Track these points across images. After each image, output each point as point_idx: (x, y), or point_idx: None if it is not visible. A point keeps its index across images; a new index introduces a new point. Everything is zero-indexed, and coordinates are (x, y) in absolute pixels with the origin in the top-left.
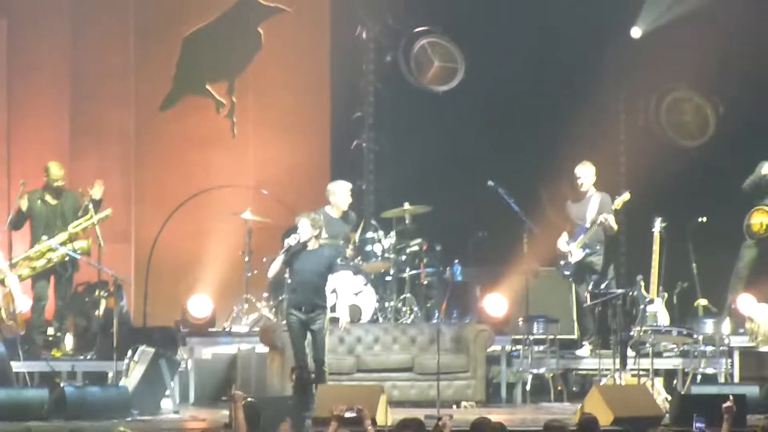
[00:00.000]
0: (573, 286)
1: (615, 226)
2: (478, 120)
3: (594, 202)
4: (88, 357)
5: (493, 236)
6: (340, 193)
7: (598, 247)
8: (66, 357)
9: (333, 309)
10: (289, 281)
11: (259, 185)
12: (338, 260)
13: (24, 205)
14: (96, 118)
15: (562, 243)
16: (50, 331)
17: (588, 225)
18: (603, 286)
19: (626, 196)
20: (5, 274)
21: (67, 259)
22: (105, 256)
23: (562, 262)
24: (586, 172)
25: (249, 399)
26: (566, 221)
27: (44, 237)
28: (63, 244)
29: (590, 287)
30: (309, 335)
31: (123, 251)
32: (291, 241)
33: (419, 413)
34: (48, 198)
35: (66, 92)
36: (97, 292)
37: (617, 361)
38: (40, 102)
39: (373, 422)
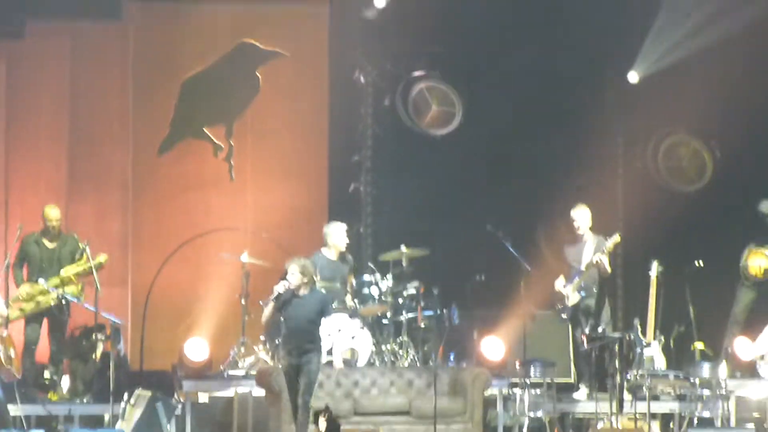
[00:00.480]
0: (570, 329)
1: (609, 268)
2: (475, 163)
3: (589, 245)
4: (85, 401)
5: (491, 279)
6: (336, 234)
7: (594, 290)
8: (62, 400)
9: (329, 353)
10: (282, 328)
11: (257, 228)
12: (331, 304)
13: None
14: (94, 162)
15: (559, 285)
16: (46, 374)
17: (583, 268)
18: (600, 329)
19: (616, 237)
20: (3, 318)
21: (63, 302)
22: (102, 300)
23: (559, 306)
24: (581, 215)
25: None
26: (564, 264)
27: (40, 280)
28: (55, 287)
29: (587, 330)
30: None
31: (120, 295)
32: (280, 288)
33: None
34: (45, 241)
35: (64, 136)
36: (94, 336)
37: (614, 404)
38: (38, 145)
39: None
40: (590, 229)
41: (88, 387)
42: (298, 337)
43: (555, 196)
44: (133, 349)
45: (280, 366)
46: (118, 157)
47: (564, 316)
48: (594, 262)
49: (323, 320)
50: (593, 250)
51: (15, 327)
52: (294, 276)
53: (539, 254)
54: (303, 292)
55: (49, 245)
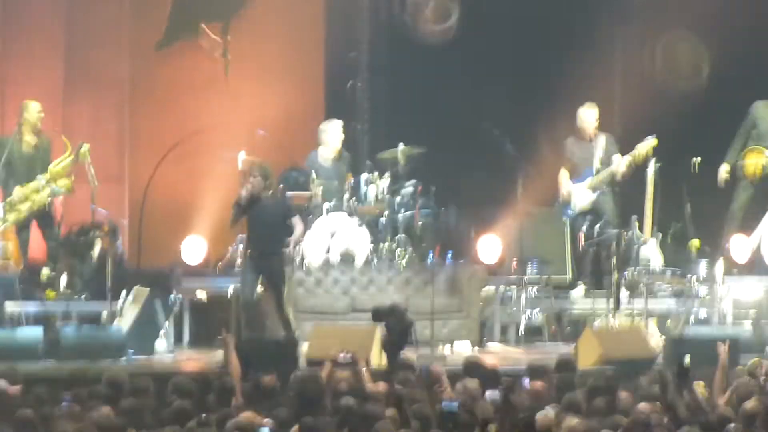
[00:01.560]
0: (568, 227)
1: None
2: (474, 61)
3: (600, 143)
4: (83, 298)
5: (489, 178)
6: (332, 132)
7: (605, 188)
8: (60, 298)
9: (328, 251)
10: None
11: (254, 127)
12: (292, 208)
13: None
14: (90, 62)
15: (566, 183)
16: (44, 272)
17: (597, 167)
18: (597, 227)
19: (652, 141)
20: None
21: (49, 200)
22: (99, 197)
23: (560, 201)
24: (590, 114)
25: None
26: (567, 161)
27: (39, 177)
28: (46, 183)
29: (584, 229)
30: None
31: (117, 192)
32: (242, 193)
33: (412, 353)
34: (27, 138)
35: (60, 36)
36: (91, 234)
37: (611, 302)
38: (33, 47)
39: (367, 363)
40: (597, 128)
41: (85, 284)
42: (259, 240)
43: (553, 95)
44: (131, 246)
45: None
46: (115, 58)
47: (570, 212)
48: (623, 168)
49: (287, 223)
50: (604, 149)
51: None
52: (256, 179)
53: (538, 152)
54: (264, 195)
55: (31, 142)
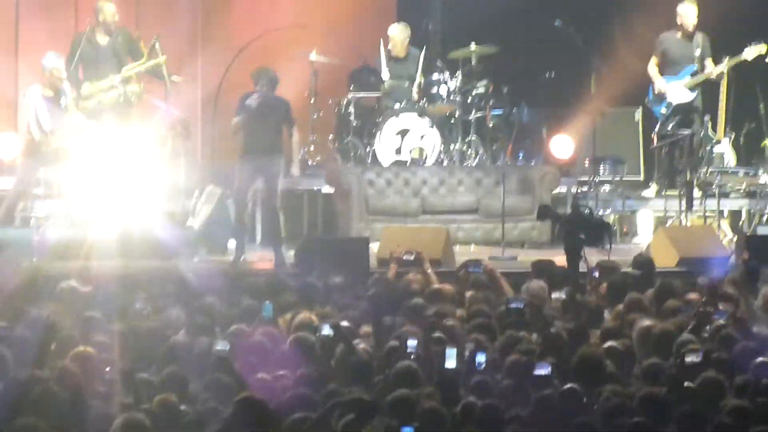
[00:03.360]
0: (640, 126)
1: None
2: None
3: (697, 42)
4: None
5: (561, 77)
6: (395, 37)
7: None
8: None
9: (398, 151)
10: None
11: (325, 25)
12: (291, 110)
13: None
14: None
15: (659, 78)
16: None
17: (696, 67)
18: (670, 127)
19: (761, 46)
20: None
21: (122, 100)
22: (171, 96)
23: (651, 98)
24: (691, 10)
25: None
26: (660, 56)
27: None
28: (117, 84)
29: (657, 128)
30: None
31: (190, 91)
32: (252, 102)
33: (484, 254)
34: (98, 38)
35: None
36: (164, 132)
37: (684, 202)
38: None
39: (434, 263)
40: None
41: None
42: (260, 142)
43: None
44: (204, 146)
45: (349, 164)
46: None
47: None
48: (724, 69)
49: (286, 128)
50: (701, 49)
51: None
52: (264, 88)
53: (612, 50)
54: (268, 98)
55: (102, 41)
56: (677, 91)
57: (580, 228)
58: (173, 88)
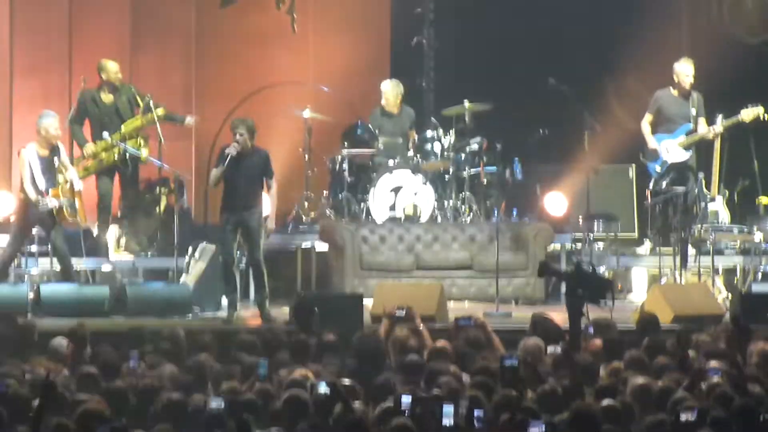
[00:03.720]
0: (634, 183)
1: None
2: (539, 15)
3: (693, 101)
4: (149, 254)
5: (554, 133)
6: (388, 93)
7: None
8: (126, 254)
9: (392, 208)
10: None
11: (319, 82)
12: (271, 163)
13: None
14: (157, 14)
15: (652, 137)
16: (113, 229)
17: (692, 126)
18: (664, 184)
19: (757, 109)
20: (66, 167)
21: (127, 157)
22: (166, 154)
23: (644, 156)
24: (687, 69)
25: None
26: (656, 114)
27: (104, 134)
28: (119, 141)
29: (651, 185)
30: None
31: (184, 148)
32: (232, 151)
33: (478, 310)
34: (102, 96)
35: None
36: (157, 190)
37: (678, 259)
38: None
39: (428, 319)
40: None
41: (151, 241)
42: (240, 194)
43: (620, 49)
44: (197, 202)
45: (343, 220)
46: (181, 9)
47: (657, 169)
48: (720, 130)
49: (265, 179)
50: (697, 109)
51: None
52: (243, 137)
53: (605, 107)
54: (247, 151)
55: (107, 99)
56: (672, 149)
57: (581, 285)
58: (166, 145)
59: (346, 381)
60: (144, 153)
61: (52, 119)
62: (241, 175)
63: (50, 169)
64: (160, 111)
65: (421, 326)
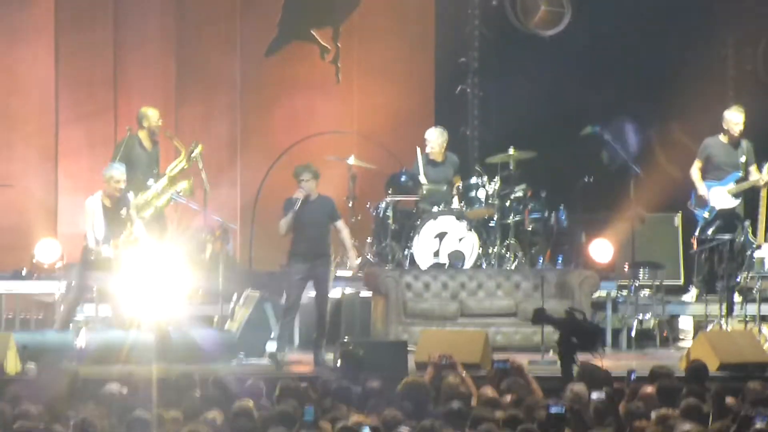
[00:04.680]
0: (680, 230)
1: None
2: (584, 64)
3: (743, 149)
4: (194, 301)
5: (599, 181)
6: (433, 141)
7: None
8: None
9: (436, 254)
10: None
11: (363, 131)
12: (337, 208)
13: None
14: (202, 64)
15: (702, 185)
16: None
17: (741, 173)
18: (710, 231)
19: None
20: (133, 221)
21: (171, 203)
22: (211, 201)
23: (694, 202)
24: (738, 117)
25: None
26: (706, 160)
27: (150, 181)
28: (165, 188)
29: (696, 233)
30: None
31: (229, 196)
32: (300, 195)
33: (523, 358)
34: (146, 144)
35: (172, 38)
36: (203, 237)
37: (724, 307)
38: (146, 48)
39: (472, 367)
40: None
41: (196, 288)
42: (310, 242)
43: (664, 98)
44: (242, 249)
45: (387, 267)
46: (226, 59)
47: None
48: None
49: (332, 225)
50: (746, 157)
51: None
52: (309, 183)
53: (650, 155)
54: (312, 197)
55: (149, 148)
56: (721, 196)
57: (573, 333)
58: (211, 193)
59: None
60: (188, 194)
61: (115, 171)
62: (309, 222)
63: (113, 220)
64: (197, 149)
65: (464, 373)
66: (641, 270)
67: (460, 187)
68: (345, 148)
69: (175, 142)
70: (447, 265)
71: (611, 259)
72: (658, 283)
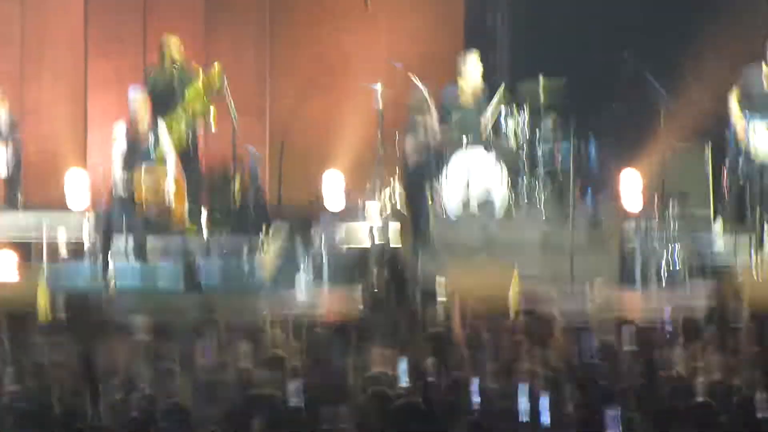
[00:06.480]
0: (710, 161)
1: None
2: None
3: None
4: (223, 233)
5: (630, 111)
6: (470, 64)
7: None
8: (200, 233)
9: (466, 185)
10: None
11: (392, 59)
12: None
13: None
14: None
15: (740, 115)
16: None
17: None
18: (741, 162)
19: None
20: (165, 150)
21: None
22: (240, 132)
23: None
24: None
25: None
26: (741, 91)
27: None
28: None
29: (727, 163)
30: None
31: (258, 126)
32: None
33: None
34: (167, 72)
35: None
36: (231, 168)
37: (754, 238)
38: None
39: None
40: None
41: (225, 220)
42: None
43: (702, 28)
44: (271, 181)
45: None
46: None
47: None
48: None
49: None
50: None
51: None
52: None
53: (682, 85)
54: None
55: (170, 76)
56: (760, 132)
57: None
58: (240, 122)
59: None
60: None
61: (133, 93)
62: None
63: (138, 148)
64: (216, 68)
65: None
66: (670, 200)
67: (489, 117)
68: (372, 77)
69: (193, 63)
70: (475, 199)
71: (641, 189)
72: (687, 214)
